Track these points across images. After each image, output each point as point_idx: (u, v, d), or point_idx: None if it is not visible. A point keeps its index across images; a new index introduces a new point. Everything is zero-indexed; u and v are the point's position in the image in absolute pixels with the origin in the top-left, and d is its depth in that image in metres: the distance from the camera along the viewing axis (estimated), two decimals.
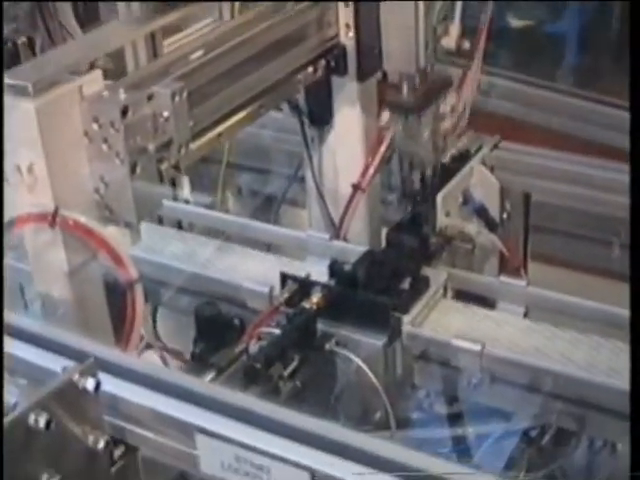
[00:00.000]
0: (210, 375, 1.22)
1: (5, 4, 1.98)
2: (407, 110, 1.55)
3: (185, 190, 1.81)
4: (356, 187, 1.58)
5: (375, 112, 1.57)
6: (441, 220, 1.55)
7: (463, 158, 1.67)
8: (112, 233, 1.23)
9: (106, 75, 1.23)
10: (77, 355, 0.92)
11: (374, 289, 1.38)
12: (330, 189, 1.67)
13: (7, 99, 1.14)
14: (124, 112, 1.16)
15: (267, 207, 2.01)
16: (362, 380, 1.33)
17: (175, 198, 1.71)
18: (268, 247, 1.65)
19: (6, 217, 1.18)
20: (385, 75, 1.55)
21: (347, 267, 1.42)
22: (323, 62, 1.52)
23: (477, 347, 1.31)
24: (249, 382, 1.22)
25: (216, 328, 1.39)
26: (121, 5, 1.34)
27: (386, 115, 1.54)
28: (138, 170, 1.19)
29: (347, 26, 1.51)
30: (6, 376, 0.90)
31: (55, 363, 0.91)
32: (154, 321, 1.58)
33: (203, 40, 1.38)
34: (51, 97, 1.15)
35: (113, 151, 1.17)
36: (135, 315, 1.25)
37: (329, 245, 1.56)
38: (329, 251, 1.54)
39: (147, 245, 1.56)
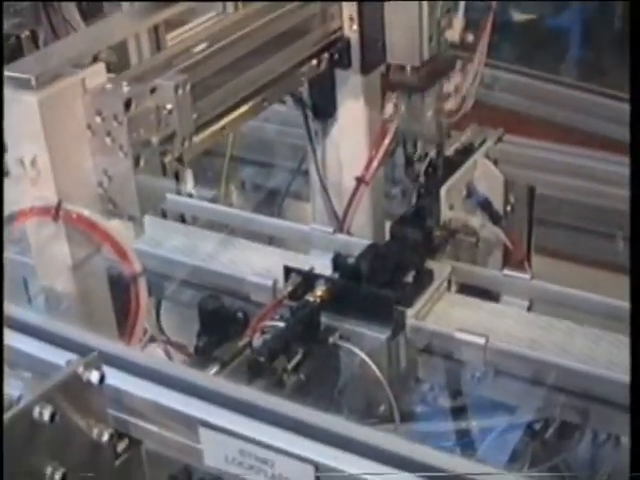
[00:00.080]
0: (214, 369, 1.22)
1: None
2: (410, 89, 1.54)
3: (188, 183, 1.81)
4: (360, 180, 1.58)
5: (379, 105, 1.56)
6: (445, 213, 1.54)
7: (467, 151, 1.66)
8: (115, 226, 1.23)
9: (109, 68, 1.23)
10: (81, 349, 0.92)
11: (378, 282, 1.38)
12: (334, 182, 1.67)
13: (10, 92, 1.13)
14: (127, 105, 1.16)
15: (271, 200, 2.01)
16: (366, 373, 1.33)
17: (178, 191, 1.71)
18: (270, 240, 1.65)
19: (9, 211, 1.18)
20: (389, 68, 1.55)
21: (351, 260, 1.42)
22: (327, 55, 1.52)
23: (481, 340, 1.31)
24: (253, 376, 1.22)
25: (220, 321, 1.39)
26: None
27: (390, 107, 1.54)
28: (142, 163, 1.19)
29: (351, 19, 1.51)
30: (10, 369, 0.90)
31: (59, 357, 0.91)
32: (158, 314, 1.58)
33: (206, 33, 1.37)
34: (54, 90, 1.15)
35: (116, 144, 1.17)
36: (139, 308, 1.25)
37: (333, 238, 1.55)
38: (333, 244, 1.53)
39: (151, 238, 1.56)
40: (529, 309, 1.44)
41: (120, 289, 1.27)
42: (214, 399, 0.90)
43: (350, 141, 1.62)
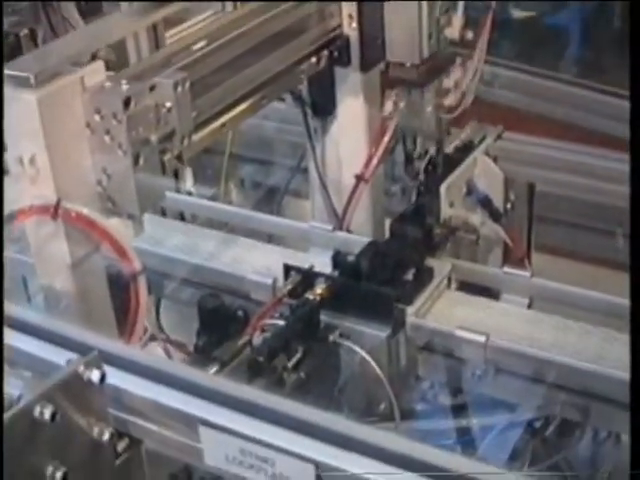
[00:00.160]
0: (214, 367, 1.22)
1: None
2: (410, 84, 1.54)
3: (188, 181, 1.81)
4: (359, 178, 1.58)
5: (378, 102, 1.56)
6: (445, 211, 1.54)
7: (467, 148, 1.66)
8: (115, 225, 1.23)
9: (108, 66, 1.22)
10: (81, 348, 0.92)
11: (378, 280, 1.38)
12: (333, 180, 1.66)
13: (9, 90, 1.13)
14: (126, 103, 1.15)
15: (270, 198, 2.01)
16: (366, 371, 1.33)
17: (178, 189, 1.71)
18: (269, 238, 1.65)
19: (8, 209, 1.17)
20: (388, 65, 1.55)
21: (350, 258, 1.42)
22: (326, 53, 1.51)
23: (481, 338, 1.31)
24: (253, 374, 1.22)
25: (219, 320, 1.39)
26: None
27: (389, 105, 1.53)
28: (141, 161, 1.19)
29: (350, 17, 1.51)
30: (10, 368, 0.89)
31: (59, 356, 0.91)
32: (157, 313, 1.58)
33: (205, 31, 1.37)
34: (53, 88, 1.15)
35: (115, 142, 1.17)
36: (139, 307, 1.25)
37: (332, 236, 1.55)
38: (332, 242, 1.53)
39: (150, 237, 1.56)
40: (529, 306, 1.44)
41: (120, 288, 1.26)
42: (214, 398, 0.90)
43: (349, 139, 1.62)
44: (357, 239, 1.51)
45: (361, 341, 1.33)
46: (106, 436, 0.89)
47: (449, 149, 1.66)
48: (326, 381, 1.31)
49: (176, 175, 1.48)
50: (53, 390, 0.85)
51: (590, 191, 1.64)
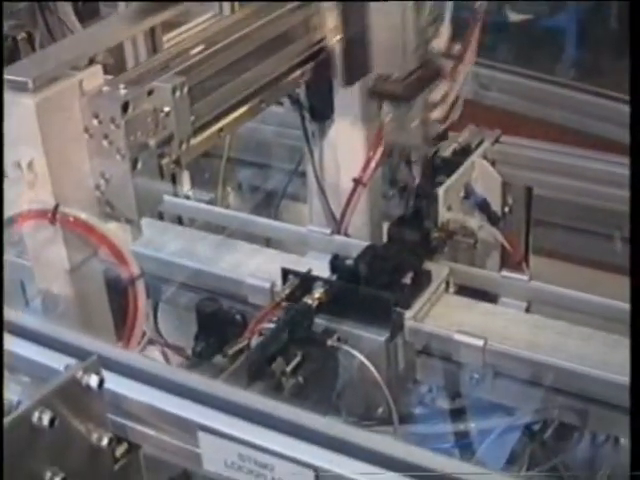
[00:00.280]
0: (212, 372, 1.22)
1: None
2: (395, 98, 1.53)
3: (185, 185, 1.81)
4: (357, 181, 1.58)
5: (376, 106, 1.56)
6: (443, 214, 1.54)
7: (464, 152, 1.66)
8: (113, 229, 1.23)
9: (106, 70, 1.22)
10: (79, 353, 0.92)
11: (376, 284, 1.37)
12: (331, 184, 1.66)
13: (7, 95, 1.13)
14: (125, 108, 1.15)
15: (268, 202, 2.01)
16: (364, 375, 1.33)
17: (175, 193, 1.71)
18: (267, 242, 1.65)
19: (6, 214, 1.17)
20: None
21: (348, 262, 1.41)
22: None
23: (479, 342, 1.31)
24: (251, 379, 1.22)
25: (217, 324, 1.39)
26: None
27: (388, 108, 1.53)
28: (139, 166, 1.19)
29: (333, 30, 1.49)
30: (9, 374, 0.89)
31: (57, 361, 0.91)
32: (155, 317, 1.58)
33: (203, 35, 1.37)
34: (51, 93, 1.15)
35: (114, 147, 1.17)
36: (137, 311, 1.25)
37: (330, 240, 1.55)
38: (330, 246, 1.53)
39: (148, 241, 1.55)
40: (527, 310, 1.44)
41: (118, 292, 1.26)
42: (213, 403, 0.90)
43: (347, 142, 1.62)
44: (355, 243, 1.51)
45: (359, 345, 1.33)
46: (105, 441, 0.90)
47: (447, 153, 1.66)
48: (324, 385, 1.31)
49: (174, 179, 1.49)
50: (52, 396, 0.85)
51: (588, 194, 1.64)
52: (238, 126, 1.43)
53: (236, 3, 1.62)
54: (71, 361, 0.89)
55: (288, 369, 1.25)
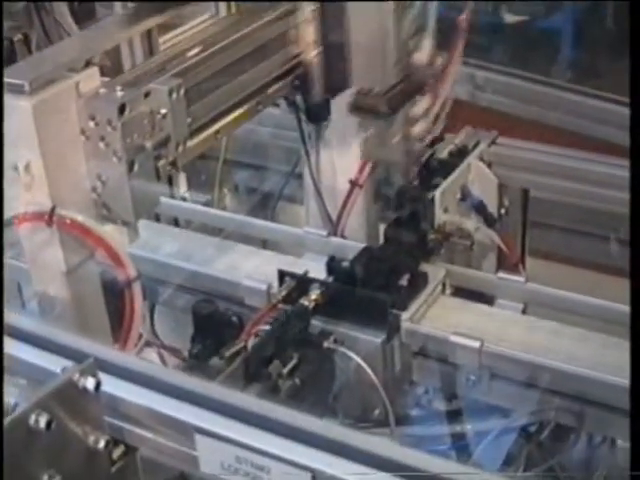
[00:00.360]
0: (209, 374, 1.22)
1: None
2: (376, 114, 1.53)
3: (182, 187, 1.81)
4: (353, 183, 1.58)
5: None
6: (439, 216, 1.54)
7: (461, 154, 1.66)
8: (110, 231, 1.23)
9: (103, 72, 1.22)
10: (76, 355, 0.92)
11: (372, 286, 1.38)
12: (327, 185, 1.66)
13: (4, 97, 1.13)
14: (121, 110, 1.16)
15: (264, 204, 2.01)
16: (361, 377, 1.33)
17: (172, 195, 1.70)
18: (264, 243, 1.65)
19: (4, 215, 1.17)
20: None
21: (345, 264, 1.42)
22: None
23: (476, 344, 1.31)
24: (248, 381, 1.22)
25: (214, 326, 1.39)
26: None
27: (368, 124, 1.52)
28: (135, 168, 1.19)
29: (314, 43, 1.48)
30: (6, 376, 0.89)
31: (54, 363, 0.91)
32: (152, 319, 1.58)
33: (200, 37, 1.37)
34: (48, 95, 1.15)
35: (110, 149, 1.17)
36: (134, 313, 1.25)
37: (327, 242, 1.55)
38: (327, 248, 1.53)
39: (145, 242, 1.55)
40: (524, 312, 1.44)
41: (115, 294, 1.26)
42: (210, 405, 0.90)
43: (344, 144, 1.62)
44: (351, 244, 1.51)
45: (356, 347, 1.33)
46: (101, 444, 0.90)
47: (443, 154, 1.66)
48: (321, 387, 1.31)
49: (170, 181, 1.48)
50: (48, 398, 0.85)
51: (584, 196, 1.64)
52: (234, 128, 1.43)
53: (232, 4, 1.61)
54: (68, 363, 0.89)
55: (285, 371, 1.25)
